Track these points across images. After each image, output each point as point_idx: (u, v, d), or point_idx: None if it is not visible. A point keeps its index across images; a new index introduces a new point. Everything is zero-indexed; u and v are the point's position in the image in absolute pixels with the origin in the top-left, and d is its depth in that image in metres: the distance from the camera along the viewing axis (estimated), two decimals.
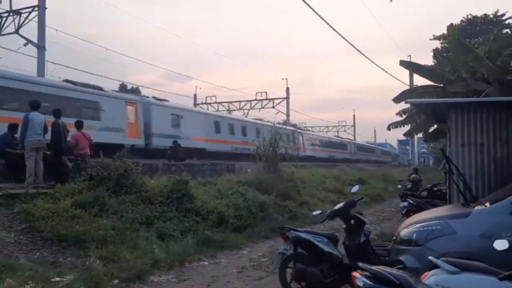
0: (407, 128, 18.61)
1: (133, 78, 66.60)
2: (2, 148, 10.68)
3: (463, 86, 14.05)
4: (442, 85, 15.61)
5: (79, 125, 11.60)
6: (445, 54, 27.97)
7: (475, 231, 5.15)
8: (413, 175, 17.63)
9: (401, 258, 5.48)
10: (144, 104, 21.14)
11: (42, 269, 6.52)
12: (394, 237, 6.14)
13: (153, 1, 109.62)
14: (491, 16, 39.14)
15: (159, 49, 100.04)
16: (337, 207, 6.57)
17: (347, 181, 22.02)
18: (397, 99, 16.86)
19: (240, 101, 43.38)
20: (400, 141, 77.73)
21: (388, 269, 3.32)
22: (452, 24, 15.31)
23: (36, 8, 19.87)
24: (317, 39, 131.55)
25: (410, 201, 11.05)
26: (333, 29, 17.99)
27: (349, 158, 48.13)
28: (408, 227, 5.78)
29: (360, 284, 3.17)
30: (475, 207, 5.73)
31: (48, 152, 10.63)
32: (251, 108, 42.35)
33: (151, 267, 7.48)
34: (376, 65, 38.99)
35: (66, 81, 18.38)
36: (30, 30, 20.36)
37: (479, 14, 40.28)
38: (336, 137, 53.92)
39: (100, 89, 19.26)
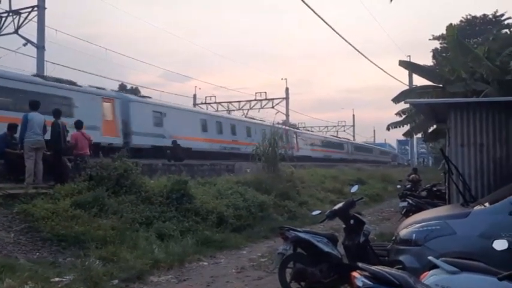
0: (406, 128, 18.64)
1: (132, 78, 66.81)
2: (1, 148, 10.66)
3: (462, 86, 14.07)
4: (441, 85, 15.63)
5: (79, 125, 11.60)
6: (444, 55, 27.99)
7: (475, 231, 5.15)
8: (413, 175, 17.65)
9: (401, 258, 5.48)
10: (122, 100, 20.04)
11: (41, 269, 6.51)
12: (394, 237, 6.14)
13: (153, 1, 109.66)
14: (491, 16, 39.16)
15: (158, 49, 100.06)
16: (336, 207, 6.57)
17: (346, 181, 22.04)
18: (396, 100, 16.87)
19: (240, 101, 43.39)
20: (399, 141, 77.79)
21: (387, 269, 3.32)
22: (451, 24, 15.36)
23: (35, 8, 19.88)
24: (317, 39, 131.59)
25: (410, 201, 11.05)
26: (332, 29, 18.01)
27: (346, 157, 47.57)
28: (407, 227, 5.78)
29: (360, 284, 3.17)
30: (475, 207, 5.73)
31: (48, 152, 10.62)
32: (250, 109, 42.38)
33: (151, 267, 7.48)
34: (376, 65, 39.02)
35: (37, 75, 17.75)
36: (30, 30, 20.39)
37: (479, 14, 40.35)
38: (332, 137, 53.48)
39: (74, 84, 18.17)
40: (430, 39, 40.65)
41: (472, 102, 9.04)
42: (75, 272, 6.63)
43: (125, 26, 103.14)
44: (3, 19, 20.62)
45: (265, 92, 42.11)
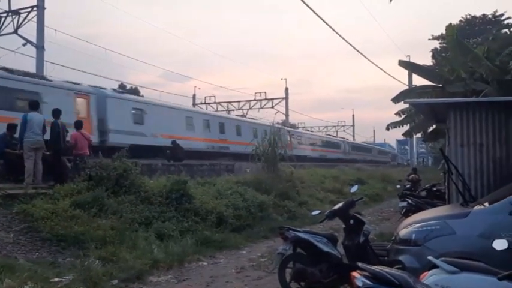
0: (406, 128, 18.66)
1: (132, 78, 66.69)
2: (0, 148, 10.67)
3: (462, 86, 14.08)
4: (441, 85, 15.64)
5: (78, 125, 11.60)
6: (444, 54, 28.00)
7: (474, 231, 5.15)
8: (412, 175, 17.65)
9: (401, 258, 5.48)
10: (98, 96, 18.73)
11: (41, 269, 6.51)
12: (393, 237, 6.14)
13: (153, 1, 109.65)
14: (490, 16, 39.20)
15: (158, 49, 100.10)
16: (336, 207, 6.57)
17: (346, 181, 22.04)
18: (396, 99, 16.88)
19: (239, 101, 43.39)
20: (399, 141, 77.81)
21: (387, 269, 3.32)
22: (451, 24, 15.35)
23: (35, 8, 19.85)
24: (317, 39, 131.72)
25: (410, 201, 11.04)
26: (332, 29, 17.99)
27: (343, 157, 46.81)
28: (407, 227, 5.78)
29: (359, 284, 3.17)
30: (474, 207, 5.73)
31: (48, 152, 10.61)
32: (250, 108, 42.39)
33: (151, 267, 7.47)
34: (375, 65, 38.95)
35: (1, 68, 16.63)
36: (29, 30, 20.36)
37: (478, 14, 40.40)
38: (328, 136, 52.83)
39: (43, 78, 17.16)
40: (429, 39, 40.76)
41: (471, 102, 9.04)
42: (74, 272, 6.63)
43: (124, 26, 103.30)
44: (3, 19, 20.60)
45: (265, 92, 42.19)
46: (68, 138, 11.19)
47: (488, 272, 3.38)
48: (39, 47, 19.56)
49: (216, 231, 10.29)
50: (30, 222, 8.01)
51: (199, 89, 63.16)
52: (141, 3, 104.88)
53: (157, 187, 10.84)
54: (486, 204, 5.70)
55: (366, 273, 3.24)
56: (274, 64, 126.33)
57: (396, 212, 13.87)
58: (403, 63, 18.06)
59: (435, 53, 35.51)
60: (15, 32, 20.46)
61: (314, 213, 7.54)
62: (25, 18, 20.25)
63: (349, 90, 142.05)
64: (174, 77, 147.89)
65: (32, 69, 19.74)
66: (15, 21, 20.41)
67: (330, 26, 16.61)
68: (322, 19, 15.67)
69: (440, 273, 3.47)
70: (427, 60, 49.15)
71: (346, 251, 6.16)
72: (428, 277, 3.48)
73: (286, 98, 43.35)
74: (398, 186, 16.94)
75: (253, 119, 39.18)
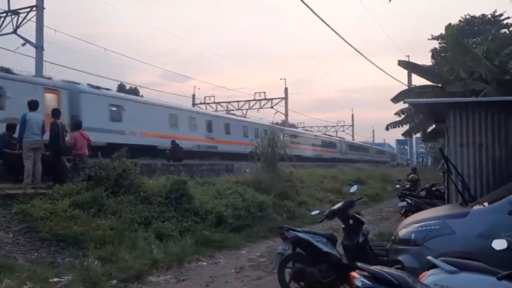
0: (405, 128, 18.68)
1: (131, 78, 66.54)
2: (0, 148, 10.65)
3: (461, 86, 14.09)
4: (440, 85, 15.66)
5: (78, 125, 11.59)
6: (443, 54, 28.03)
7: (474, 230, 5.15)
8: (412, 175, 17.64)
9: (400, 258, 5.47)
10: (70, 91, 17.57)
11: (40, 270, 6.50)
12: (393, 237, 6.14)
13: (153, 1, 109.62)
14: (489, 16, 39.22)
15: (158, 49, 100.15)
16: (335, 207, 6.56)
17: (345, 181, 22.06)
18: (395, 99, 16.89)
19: (239, 101, 43.42)
20: (398, 141, 77.82)
21: (386, 269, 3.32)
22: (450, 24, 15.37)
23: (34, 8, 19.84)
24: (316, 39, 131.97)
25: (409, 201, 11.04)
26: (331, 28, 17.99)
27: (339, 157, 45.90)
28: (407, 227, 5.78)
29: (359, 284, 3.17)
30: (474, 207, 5.73)
31: (47, 152, 10.61)
32: (249, 108, 42.41)
33: (150, 267, 7.47)
34: (375, 64, 38.97)
35: None
36: (29, 30, 20.36)
37: (478, 14, 40.42)
38: (324, 135, 52.02)
39: (8, 71, 16.23)
40: (429, 39, 40.76)
41: (471, 102, 9.04)
42: (73, 272, 6.62)
43: (124, 26, 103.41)
44: (2, 19, 20.59)
45: (264, 92, 42.22)
46: (67, 138, 11.20)
47: (488, 272, 3.38)
48: (39, 47, 19.55)
49: (216, 231, 10.28)
50: (29, 222, 8.00)
51: (198, 89, 63.34)
52: (141, 3, 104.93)
53: (157, 187, 10.84)
54: (485, 204, 5.70)
55: (365, 273, 3.24)
56: (273, 64, 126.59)
57: (395, 211, 13.87)
58: (403, 63, 18.07)
59: (434, 53, 35.56)
60: (15, 32, 20.45)
61: (313, 213, 7.54)
62: (24, 18, 20.25)
63: (349, 90, 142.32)
64: (173, 77, 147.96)
65: (32, 69, 19.78)
66: (15, 21, 20.42)
67: (329, 26, 16.65)
68: (321, 19, 15.71)
69: (439, 273, 3.47)
70: (426, 60, 49.22)
71: (345, 251, 6.15)
72: (428, 277, 3.48)
73: (285, 98, 43.37)
74: (397, 186, 16.93)
75: (244, 117, 38.71)
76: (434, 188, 13.04)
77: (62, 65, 25.05)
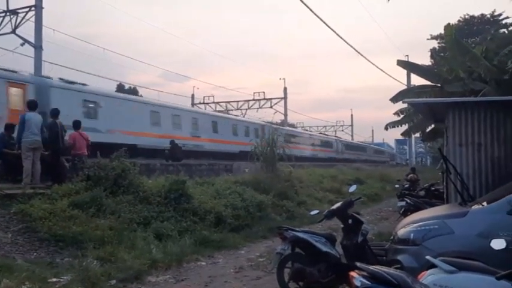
0: (404, 127, 18.67)
1: (131, 78, 66.55)
2: None
3: (460, 86, 14.09)
4: (439, 85, 15.65)
5: (77, 125, 11.59)
6: (442, 54, 28.10)
7: (473, 230, 5.15)
8: (411, 175, 17.63)
9: (399, 257, 5.47)
10: (39, 86, 16.53)
11: (39, 270, 6.49)
12: (392, 237, 6.13)
13: (152, 1, 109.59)
14: (488, 16, 39.30)
15: (158, 49, 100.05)
16: (334, 206, 6.57)
17: (344, 181, 22.06)
18: (394, 99, 16.89)
19: (238, 101, 43.45)
20: (397, 141, 77.82)
21: (385, 269, 3.32)
22: (449, 24, 15.35)
23: (33, 8, 19.80)
24: (316, 39, 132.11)
25: (408, 200, 11.03)
26: (330, 28, 17.99)
27: (335, 156, 45.14)
28: (406, 227, 5.78)
29: (358, 283, 3.17)
30: (473, 207, 5.74)
31: (46, 152, 10.59)
32: (249, 108, 42.42)
33: (149, 267, 7.47)
34: (374, 64, 38.92)
35: None
36: (27, 30, 20.30)
37: (477, 14, 40.48)
38: (319, 134, 51.45)
39: None
40: (428, 39, 40.84)
41: (470, 101, 9.05)
42: (72, 272, 6.62)
43: (124, 26, 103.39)
44: (1, 19, 20.50)
45: (264, 92, 42.23)
46: (66, 138, 11.19)
47: (487, 272, 3.38)
48: (37, 46, 19.48)
49: (215, 231, 10.28)
50: (28, 222, 8.00)
51: (197, 88, 63.23)
52: (141, 3, 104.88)
53: (156, 187, 10.83)
54: (484, 203, 5.70)
55: (364, 273, 3.24)
56: (273, 64, 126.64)
57: (395, 211, 13.88)
58: (402, 63, 18.06)
59: (433, 52, 35.65)
60: (13, 31, 20.39)
61: (312, 213, 7.54)
62: (23, 18, 20.17)
63: (348, 90, 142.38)
64: (173, 77, 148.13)
65: (31, 69, 19.74)
66: (13, 21, 20.33)
67: (328, 26, 16.66)
68: (320, 19, 15.71)
69: (438, 272, 3.47)
70: (425, 60, 49.22)
71: (344, 251, 6.16)
72: (427, 277, 3.48)
73: (284, 98, 43.34)
74: (396, 185, 16.93)
75: (235, 115, 38.41)
76: (433, 188, 13.04)
77: (61, 65, 24.96)
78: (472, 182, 7.72)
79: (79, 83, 19.25)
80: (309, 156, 37.90)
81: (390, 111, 19.22)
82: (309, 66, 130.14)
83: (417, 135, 23.21)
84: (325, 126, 63.38)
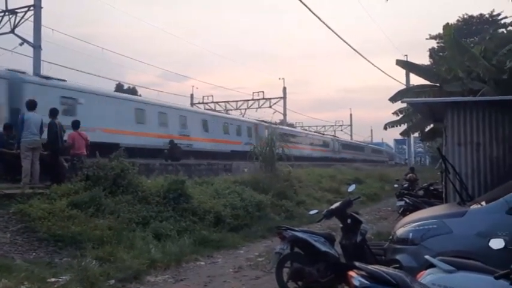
0: (403, 127, 18.68)
1: (130, 78, 66.84)
2: None
3: (459, 85, 14.11)
4: (438, 84, 15.68)
5: (76, 125, 11.58)
6: (441, 54, 28.11)
7: (471, 230, 5.16)
8: (410, 174, 17.64)
9: (398, 257, 5.48)
10: (11, 81, 15.61)
11: (38, 270, 6.49)
12: (391, 237, 6.14)
13: (152, 1, 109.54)
14: (487, 16, 39.34)
15: (157, 49, 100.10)
16: (333, 206, 6.56)
17: (343, 180, 22.05)
18: (393, 99, 16.91)
19: (237, 101, 43.47)
20: (396, 141, 77.95)
21: (384, 268, 3.32)
22: (448, 23, 15.35)
23: (32, 8, 19.80)
24: (316, 39, 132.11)
25: (407, 200, 11.04)
26: (329, 28, 17.98)
27: (331, 156, 43.88)
28: (404, 226, 5.79)
29: (356, 283, 3.17)
30: (471, 206, 5.75)
31: (45, 152, 10.59)
32: (248, 108, 42.42)
33: (148, 267, 7.46)
34: (373, 64, 39.14)
35: None
36: (26, 29, 20.30)
37: (475, 13, 40.52)
38: (315, 133, 50.47)
39: None
40: (427, 39, 40.84)
41: (468, 101, 9.05)
42: (71, 272, 6.61)
43: (123, 26, 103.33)
44: (0, 18, 20.53)
45: (263, 92, 42.24)
46: (65, 138, 11.18)
47: (485, 271, 3.38)
48: (36, 46, 19.49)
49: (214, 230, 10.28)
50: (27, 222, 7.98)
51: (197, 88, 63.07)
52: (141, 3, 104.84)
53: (155, 187, 10.83)
54: (483, 203, 5.71)
55: (363, 273, 3.24)
56: (272, 64, 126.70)
57: (393, 211, 13.89)
58: (401, 63, 18.08)
59: (432, 52, 35.66)
60: (12, 31, 20.39)
61: (311, 212, 7.54)
62: (22, 17, 20.18)
63: (348, 90, 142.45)
64: (172, 77, 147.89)
65: (30, 68, 19.73)
66: (12, 20, 20.34)
67: (327, 26, 16.69)
68: (319, 18, 15.74)
69: (437, 272, 3.47)
70: (424, 59, 49.28)
71: (343, 251, 6.16)
72: (425, 276, 3.49)
73: (284, 98, 43.36)
74: (395, 185, 16.94)
75: (226, 113, 37.86)
76: (432, 188, 13.06)
77: (60, 65, 24.93)
78: (471, 181, 7.73)
79: (56, 79, 18.28)
80: (303, 155, 35.96)
81: (389, 111, 19.20)
82: (309, 66, 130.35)
83: (416, 135, 23.24)
84: (324, 126, 63.35)
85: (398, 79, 30.18)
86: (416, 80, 23.64)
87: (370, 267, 3.33)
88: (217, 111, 39.85)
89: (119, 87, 44.40)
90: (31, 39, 19.72)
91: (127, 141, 18.57)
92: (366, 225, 6.39)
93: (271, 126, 31.98)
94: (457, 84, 14.26)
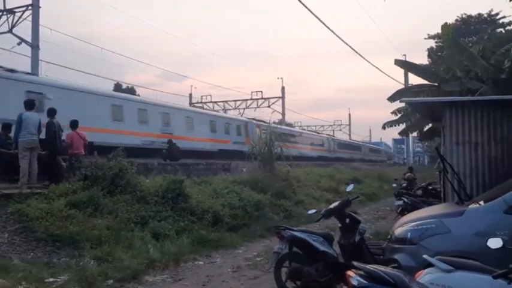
0: (402, 127, 18.69)
1: (130, 78, 66.73)
2: None
3: (458, 85, 14.11)
4: (436, 84, 15.68)
5: (74, 125, 11.56)
6: (439, 53, 28.13)
7: (470, 229, 5.16)
8: (408, 174, 17.67)
9: (396, 257, 5.48)
10: None
11: (35, 270, 6.48)
12: (389, 236, 6.15)
13: (153, 1, 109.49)
14: (486, 15, 39.36)
15: (157, 49, 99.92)
16: (332, 206, 6.57)
17: (342, 180, 22.06)
18: (392, 98, 16.92)
19: (236, 100, 43.45)
20: (395, 140, 77.94)
21: (382, 268, 3.32)
22: (446, 23, 15.36)
23: (30, 7, 19.76)
24: (316, 39, 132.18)
25: (405, 199, 11.07)
26: (328, 28, 17.96)
27: (326, 155, 42.72)
28: (403, 226, 5.79)
29: (355, 283, 3.17)
30: (469, 206, 5.75)
31: (43, 152, 10.56)
32: (247, 108, 42.43)
33: (146, 267, 7.45)
34: (371, 63, 39.14)
35: None
36: (24, 29, 20.27)
37: (474, 13, 40.56)
38: (309, 132, 49.65)
39: None
40: (425, 38, 40.88)
41: (467, 100, 9.06)
42: (69, 272, 6.60)
43: (123, 26, 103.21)
44: None
45: (261, 91, 42.23)
46: (63, 138, 11.16)
47: (483, 271, 3.39)
48: (34, 46, 19.44)
49: (212, 230, 10.27)
50: (25, 222, 7.96)
51: (195, 88, 63.01)
52: (141, 3, 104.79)
53: (153, 186, 10.81)
54: (481, 202, 5.71)
55: (362, 272, 3.24)
56: (272, 64, 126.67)
57: (392, 210, 13.91)
58: (399, 63, 18.07)
59: (431, 52, 35.67)
60: (10, 31, 20.35)
61: (310, 212, 7.53)
62: (20, 17, 20.14)
63: (347, 90, 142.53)
64: (171, 77, 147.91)
65: (28, 68, 19.69)
66: (10, 20, 20.30)
67: (326, 26, 16.68)
68: (319, 19, 15.72)
69: (435, 271, 3.48)
70: (423, 59, 49.24)
71: (342, 250, 6.16)
72: (424, 276, 3.49)
73: (282, 97, 43.35)
74: (394, 185, 16.94)
75: (215, 111, 37.23)
76: (430, 187, 13.08)
77: (59, 64, 24.84)
78: (469, 181, 7.73)
79: (21, 72, 16.97)
80: (296, 154, 33.08)
81: (388, 111, 19.19)
82: (309, 66, 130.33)
83: (415, 134, 23.25)
84: (323, 126, 63.39)
85: (397, 79, 30.18)
86: (414, 80, 23.68)
87: (368, 266, 3.33)
88: (216, 110, 39.85)
89: (118, 87, 44.35)
90: (29, 39, 19.70)
91: (101, 140, 17.47)
92: (365, 224, 6.39)
93: (262, 125, 31.82)
94: (455, 83, 14.27)
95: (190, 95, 44.10)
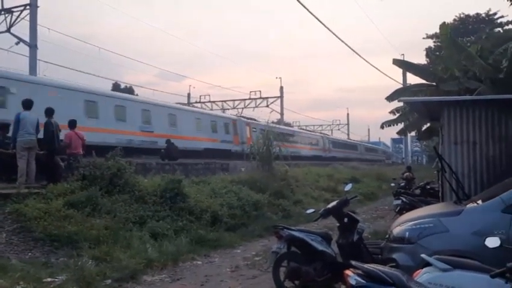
0: (400, 126, 18.70)
1: (129, 78, 66.69)
2: None
3: (456, 85, 14.11)
4: (434, 83, 15.69)
5: (72, 124, 11.54)
6: (437, 53, 28.11)
7: (467, 228, 5.17)
8: (407, 173, 17.68)
9: (394, 256, 5.49)
10: None
11: (33, 270, 6.47)
12: (387, 235, 6.15)
13: (153, 1, 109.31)
14: (484, 15, 39.43)
15: (157, 49, 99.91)
16: (330, 205, 6.57)
17: (341, 179, 22.07)
18: (390, 98, 16.91)
19: (234, 100, 43.46)
20: (393, 140, 78.07)
21: (380, 267, 3.32)
22: (444, 23, 15.37)
23: (28, 7, 19.73)
24: (316, 39, 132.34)
25: (404, 199, 11.07)
26: (327, 28, 18.04)
27: (321, 155, 41.79)
28: (401, 225, 5.79)
29: (353, 282, 3.17)
30: (467, 205, 5.76)
31: (41, 152, 10.54)
32: (245, 107, 42.44)
33: (145, 266, 7.45)
34: (369, 63, 39.11)
35: None
36: (22, 29, 20.25)
37: (472, 13, 40.61)
38: (303, 130, 48.80)
39: None
40: (424, 38, 40.93)
41: (465, 100, 9.06)
42: (67, 272, 6.59)
43: (123, 26, 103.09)
44: None
45: (260, 91, 42.23)
46: (61, 137, 11.14)
47: (481, 270, 3.39)
48: (32, 45, 19.43)
49: (211, 230, 10.27)
50: (23, 222, 7.96)
51: (193, 87, 63.07)
52: (141, 4, 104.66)
53: (152, 186, 10.81)
54: (479, 202, 5.71)
55: (360, 272, 3.24)
56: (272, 64, 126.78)
57: (390, 210, 13.91)
58: (397, 62, 18.07)
59: (429, 51, 35.65)
60: (8, 30, 20.33)
61: (308, 211, 7.52)
62: (18, 16, 20.13)
63: (346, 90, 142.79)
64: (170, 76, 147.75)
65: (26, 68, 19.66)
66: (8, 19, 20.29)
67: (325, 26, 16.70)
68: (317, 19, 15.75)
69: (433, 271, 3.48)
70: (421, 59, 49.32)
71: (340, 250, 6.17)
72: (422, 275, 3.49)
73: (281, 97, 43.38)
74: (392, 184, 16.98)
75: (202, 108, 36.45)
76: (428, 186, 13.09)
77: (57, 64, 24.75)
78: (467, 180, 7.74)
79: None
80: (288, 154, 33.12)
81: (387, 111, 19.20)
82: (308, 66, 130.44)
83: (413, 134, 23.25)
84: (321, 125, 63.37)
85: (395, 78, 30.17)
86: (413, 79, 23.68)
87: (366, 266, 3.33)
88: (215, 110, 39.84)
89: (116, 87, 44.27)
90: (27, 39, 19.67)
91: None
92: (363, 224, 6.40)
93: (252, 123, 31.14)
94: (453, 83, 14.28)
95: (189, 94, 44.11)
